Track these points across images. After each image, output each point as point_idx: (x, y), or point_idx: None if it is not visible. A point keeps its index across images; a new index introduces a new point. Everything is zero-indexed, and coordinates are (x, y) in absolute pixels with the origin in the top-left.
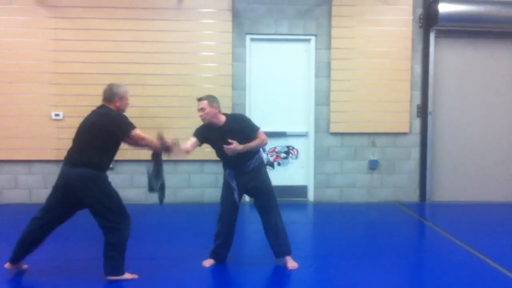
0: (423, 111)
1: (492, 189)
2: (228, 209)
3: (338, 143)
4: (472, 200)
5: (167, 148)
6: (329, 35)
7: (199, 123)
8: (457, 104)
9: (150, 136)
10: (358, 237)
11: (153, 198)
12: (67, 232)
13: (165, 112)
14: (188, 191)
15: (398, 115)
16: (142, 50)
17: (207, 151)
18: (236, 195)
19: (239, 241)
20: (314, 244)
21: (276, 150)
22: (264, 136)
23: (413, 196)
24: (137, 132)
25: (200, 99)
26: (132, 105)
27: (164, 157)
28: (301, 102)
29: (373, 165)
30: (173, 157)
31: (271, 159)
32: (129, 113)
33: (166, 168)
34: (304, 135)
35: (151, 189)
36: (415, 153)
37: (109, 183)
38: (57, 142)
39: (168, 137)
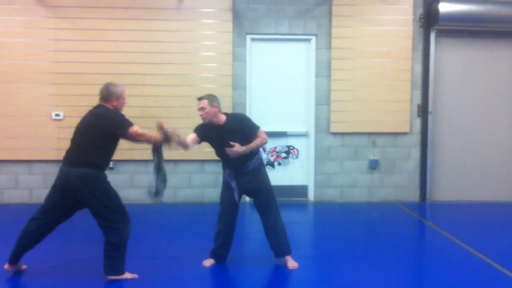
0: (423, 111)
1: (492, 189)
2: (228, 209)
3: (338, 143)
4: (472, 200)
5: (167, 138)
6: (329, 34)
7: (199, 123)
8: (458, 103)
9: (148, 131)
10: (358, 237)
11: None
12: (67, 232)
13: (165, 112)
14: (188, 191)
15: (398, 115)
16: (142, 50)
17: (207, 151)
18: (236, 195)
19: (239, 241)
20: (314, 244)
21: (277, 150)
22: (264, 135)
23: (413, 196)
24: (135, 129)
25: (200, 98)
26: (132, 105)
27: (165, 149)
28: (302, 102)
29: (374, 165)
30: (173, 147)
31: (272, 159)
32: (129, 113)
33: (166, 168)
34: (304, 135)
35: (156, 192)
36: (416, 153)
37: (108, 183)
38: (57, 142)
39: (168, 127)
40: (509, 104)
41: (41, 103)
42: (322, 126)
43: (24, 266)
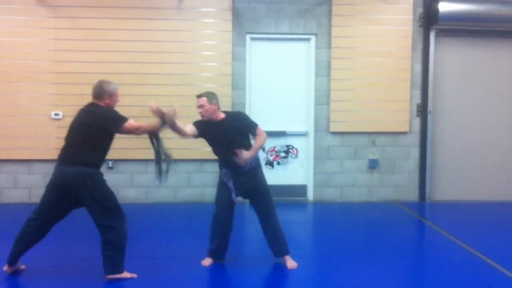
0: (423, 110)
1: (492, 188)
2: (225, 208)
3: (338, 142)
4: (472, 199)
5: (165, 120)
6: (329, 34)
7: None
8: (457, 103)
9: (144, 122)
10: (358, 237)
11: (154, 197)
12: (67, 231)
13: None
14: (188, 190)
15: (398, 114)
16: (142, 50)
17: (207, 151)
18: (233, 195)
19: (238, 241)
20: (313, 243)
21: (276, 149)
22: (263, 133)
23: (413, 195)
24: (130, 123)
25: (199, 96)
26: (132, 105)
27: (162, 132)
28: (301, 101)
29: (373, 164)
30: (171, 127)
31: (271, 158)
32: (129, 112)
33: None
34: (304, 134)
35: (162, 172)
36: (415, 152)
37: (104, 181)
38: (57, 141)
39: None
40: (509, 104)
41: (41, 103)
42: (322, 126)
43: (23, 266)
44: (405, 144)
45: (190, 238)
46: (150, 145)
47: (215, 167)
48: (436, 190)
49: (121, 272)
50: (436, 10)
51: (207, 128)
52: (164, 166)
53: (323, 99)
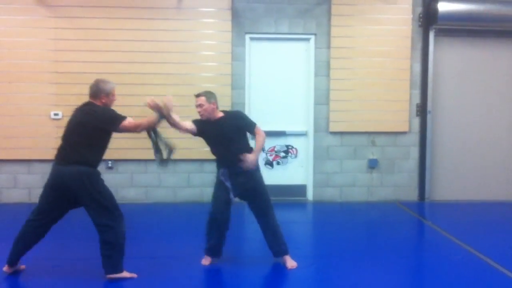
0: (422, 110)
1: (492, 188)
2: (222, 208)
3: (337, 142)
4: (472, 199)
5: (162, 112)
6: (328, 34)
7: None
8: (457, 103)
9: (143, 119)
10: (358, 236)
11: (154, 197)
12: (67, 231)
13: None
14: (188, 190)
15: (397, 114)
16: (142, 50)
17: (207, 151)
18: (231, 195)
19: (238, 241)
20: (313, 243)
21: (276, 149)
22: (262, 132)
23: (412, 195)
24: (129, 121)
25: (198, 95)
26: (132, 105)
27: (160, 125)
28: (301, 101)
29: (373, 164)
30: (167, 119)
31: (270, 158)
32: (129, 112)
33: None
34: (303, 134)
35: (163, 160)
36: (415, 152)
37: (102, 181)
38: (57, 141)
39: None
40: (508, 103)
41: (41, 103)
42: (321, 126)
43: (23, 266)
44: (405, 144)
45: (190, 238)
46: (148, 138)
47: (214, 167)
48: (436, 190)
49: (121, 271)
50: (436, 10)
51: (206, 127)
52: (165, 154)
53: (322, 99)
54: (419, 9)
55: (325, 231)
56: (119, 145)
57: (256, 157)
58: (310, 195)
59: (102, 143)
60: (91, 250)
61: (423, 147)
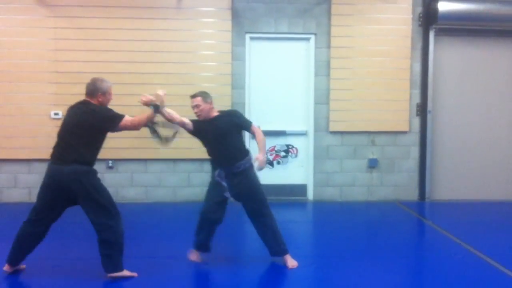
0: (422, 110)
1: (492, 187)
2: (213, 208)
3: (337, 142)
4: (472, 198)
5: (156, 105)
6: (328, 33)
7: None
8: (457, 102)
9: (141, 116)
10: (358, 236)
11: (154, 197)
12: (67, 231)
13: None
14: (188, 190)
15: (397, 113)
16: (142, 49)
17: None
18: (228, 194)
19: (238, 241)
20: (313, 243)
21: (276, 149)
22: (259, 130)
23: (412, 194)
24: (127, 119)
25: (194, 96)
26: (132, 104)
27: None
28: (301, 101)
29: (373, 164)
30: (161, 113)
31: (271, 157)
32: (129, 112)
33: (166, 167)
34: (303, 134)
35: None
36: (415, 151)
37: (99, 180)
38: None
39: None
40: (508, 103)
41: (41, 102)
42: (321, 125)
43: (23, 266)
44: (405, 143)
45: (190, 237)
46: (148, 130)
47: None
48: (436, 189)
49: (121, 270)
50: (436, 10)
51: (202, 127)
52: (164, 138)
53: (322, 99)
54: (419, 9)
55: (325, 231)
56: (119, 144)
57: (264, 156)
58: (310, 195)
59: (98, 142)
60: (91, 250)
61: (423, 146)
